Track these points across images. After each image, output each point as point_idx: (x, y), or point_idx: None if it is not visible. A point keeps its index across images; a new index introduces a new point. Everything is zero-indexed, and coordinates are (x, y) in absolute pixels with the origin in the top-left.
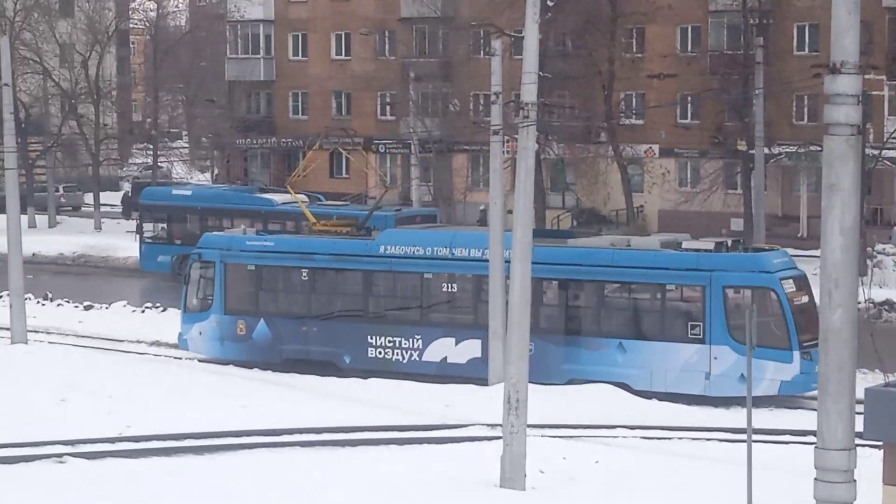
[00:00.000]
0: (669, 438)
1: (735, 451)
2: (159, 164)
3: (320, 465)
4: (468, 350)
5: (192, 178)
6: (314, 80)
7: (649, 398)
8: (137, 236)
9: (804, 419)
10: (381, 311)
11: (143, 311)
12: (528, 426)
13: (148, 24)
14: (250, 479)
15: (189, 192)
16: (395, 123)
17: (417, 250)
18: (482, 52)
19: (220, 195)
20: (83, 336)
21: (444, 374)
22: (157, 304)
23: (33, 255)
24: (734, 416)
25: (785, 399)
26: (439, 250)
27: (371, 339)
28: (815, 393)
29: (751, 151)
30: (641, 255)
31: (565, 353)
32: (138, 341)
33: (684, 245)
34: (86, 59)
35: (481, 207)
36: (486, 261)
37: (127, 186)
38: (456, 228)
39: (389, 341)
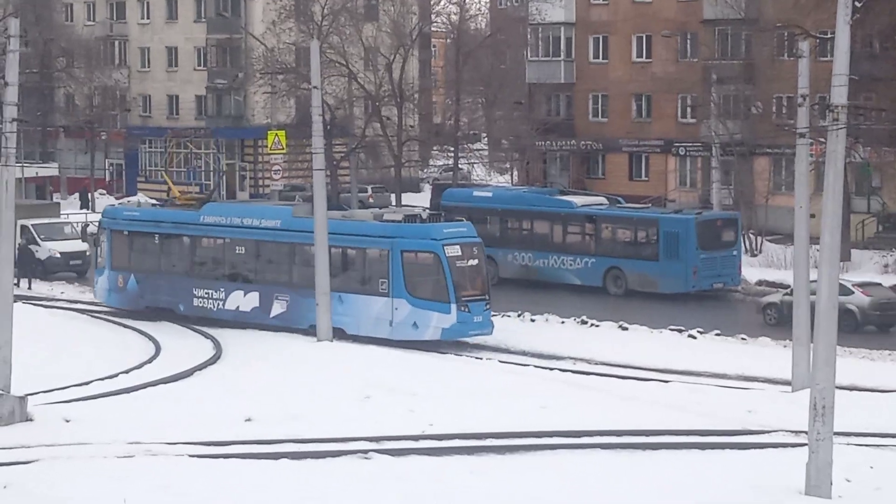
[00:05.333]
0: None
1: None
2: (459, 165)
3: (621, 467)
4: (251, 301)
5: (491, 179)
6: (614, 82)
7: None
8: None
9: None
10: (201, 268)
11: None
12: (834, 433)
13: (450, 28)
14: (552, 479)
15: (490, 194)
16: (695, 126)
17: (222, 220)
18: (786, 54)
19: (521, 197)
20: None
21: (237, 320)
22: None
23: None
24: None
25: None
26: (234, 220)
27: (195, 291)
28: None
29: None
30: (351, 225)
31: (307, 304)
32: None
33: (385, 217)
34: (390, 62)
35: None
36: (265, 228)
37: (427, 188)
38: (259, 203)
39: (205, 293)
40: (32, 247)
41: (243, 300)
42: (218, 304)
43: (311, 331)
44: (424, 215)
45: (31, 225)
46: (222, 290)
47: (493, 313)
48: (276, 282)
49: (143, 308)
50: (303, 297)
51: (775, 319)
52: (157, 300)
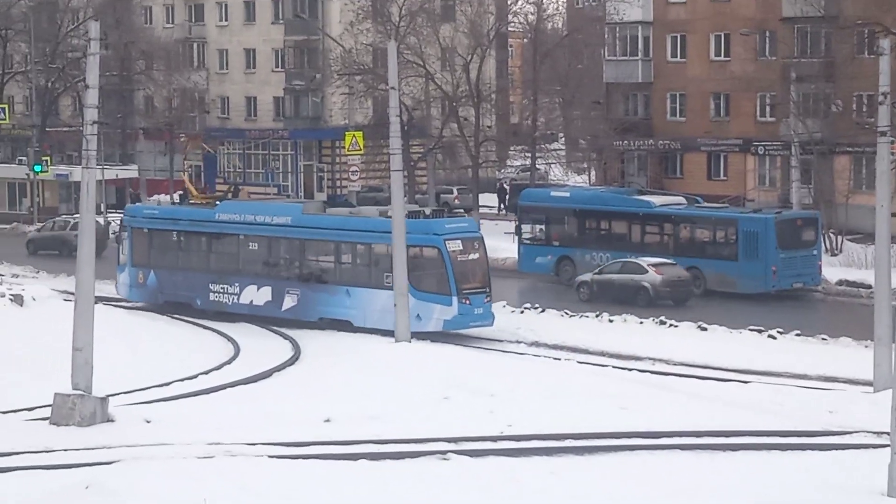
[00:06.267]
0: None
1: None
2: (537, 165)
3: (701, 468)
4: (264, 295)
5: (568, 180)
6: (692, 81)
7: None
8: (516, 238)
9: None
10: (217, 264)
11: (521, 312)
12: None
13: (527, 27)
14: (630, 480)
15: (567, 194)
16: (774, 125)
17: (235, 217)
18: (866, 52)
19: (599, 197)
20: (464, 335)
21: (252, 313)
22: (536, 305)
23: None
24: None
25: None
26: (247, 216)
27: (211, 286)
28: None
29: None
30: (358, 221)
31: (317, 298)
32: (517, 341)
33: (389, 213)
34: (467, 63)
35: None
36: (276, 225)
37: (505, 188)
38: (275, 201)
39: (221, 288)
40: None
41: (256, 294)
42: (233, 299)
43: (319, 324)
44: (427, 211)
45: None
46: (237, 284)
47: (569, 314)
48: (287, 277)
49: (162, 303)
50: (312, 292)
51: (587, 296)
52: (176, 295)
